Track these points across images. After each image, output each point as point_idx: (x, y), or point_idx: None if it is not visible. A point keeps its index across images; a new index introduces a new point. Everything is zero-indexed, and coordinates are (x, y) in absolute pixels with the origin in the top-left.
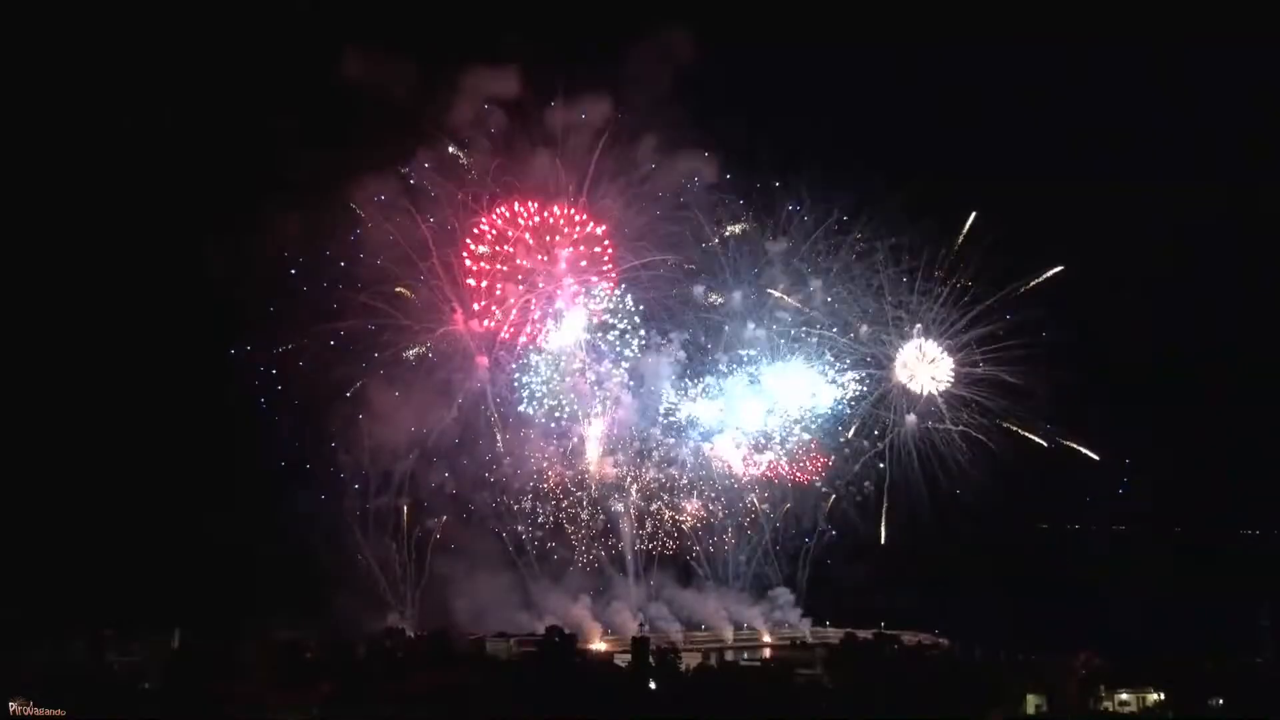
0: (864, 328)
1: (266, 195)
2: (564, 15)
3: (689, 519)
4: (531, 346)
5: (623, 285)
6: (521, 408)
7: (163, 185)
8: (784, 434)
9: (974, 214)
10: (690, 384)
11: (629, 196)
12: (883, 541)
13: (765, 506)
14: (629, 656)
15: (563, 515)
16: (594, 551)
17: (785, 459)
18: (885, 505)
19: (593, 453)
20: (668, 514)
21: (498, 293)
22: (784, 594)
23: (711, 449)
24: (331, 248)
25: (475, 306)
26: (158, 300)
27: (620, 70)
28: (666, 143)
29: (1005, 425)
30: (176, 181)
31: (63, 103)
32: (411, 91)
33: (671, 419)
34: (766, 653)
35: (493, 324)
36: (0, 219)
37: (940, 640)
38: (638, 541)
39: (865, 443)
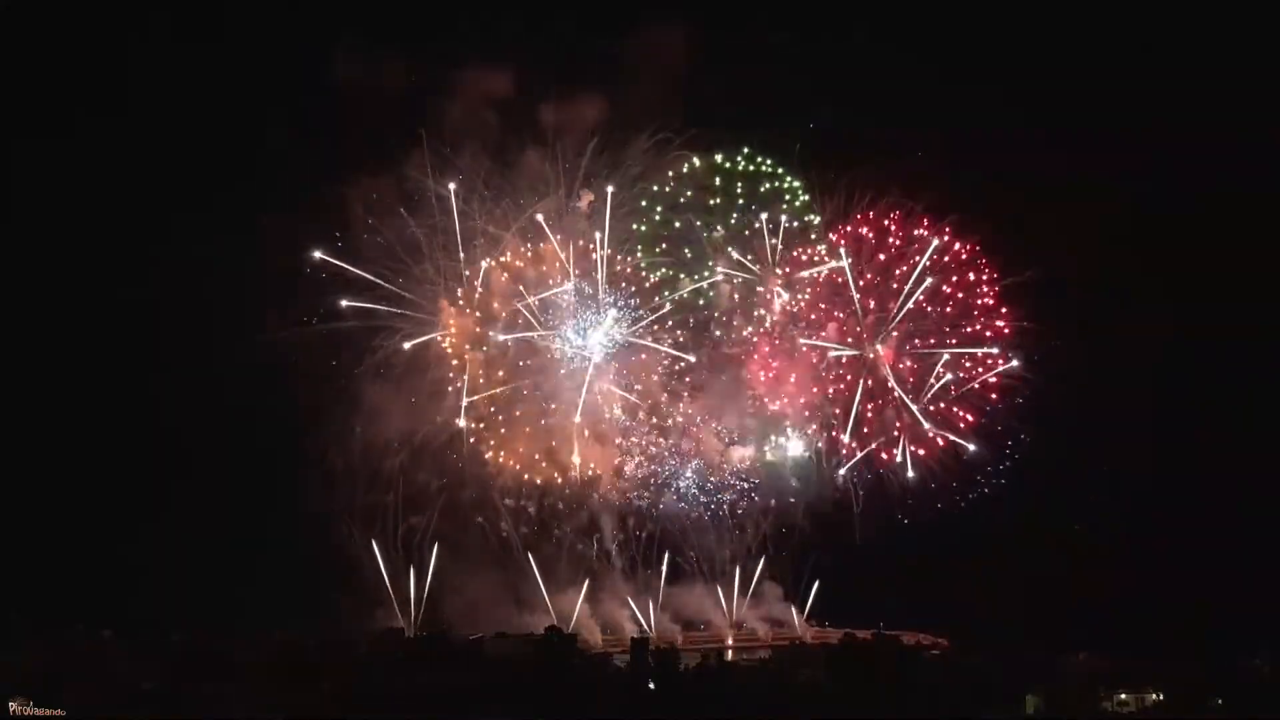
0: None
1: (259, 192)
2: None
3: (675, 515)
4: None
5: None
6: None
7: (157, 183)
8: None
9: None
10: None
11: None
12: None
13: (743, 503)
14: (627, 656)
15: (547, 511)
16: (581, 548)
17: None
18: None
19: (576, 447)
20: (650, 508)
21: None
22: (772, 589)
23: (694, 443)
24: (324, 245)
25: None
26: (149, 298)
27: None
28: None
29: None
30: (170, 179)
31: (55, 100)
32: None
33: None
34: (765, 653)
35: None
36: None
37: (940, 640)
38: (622, 536)
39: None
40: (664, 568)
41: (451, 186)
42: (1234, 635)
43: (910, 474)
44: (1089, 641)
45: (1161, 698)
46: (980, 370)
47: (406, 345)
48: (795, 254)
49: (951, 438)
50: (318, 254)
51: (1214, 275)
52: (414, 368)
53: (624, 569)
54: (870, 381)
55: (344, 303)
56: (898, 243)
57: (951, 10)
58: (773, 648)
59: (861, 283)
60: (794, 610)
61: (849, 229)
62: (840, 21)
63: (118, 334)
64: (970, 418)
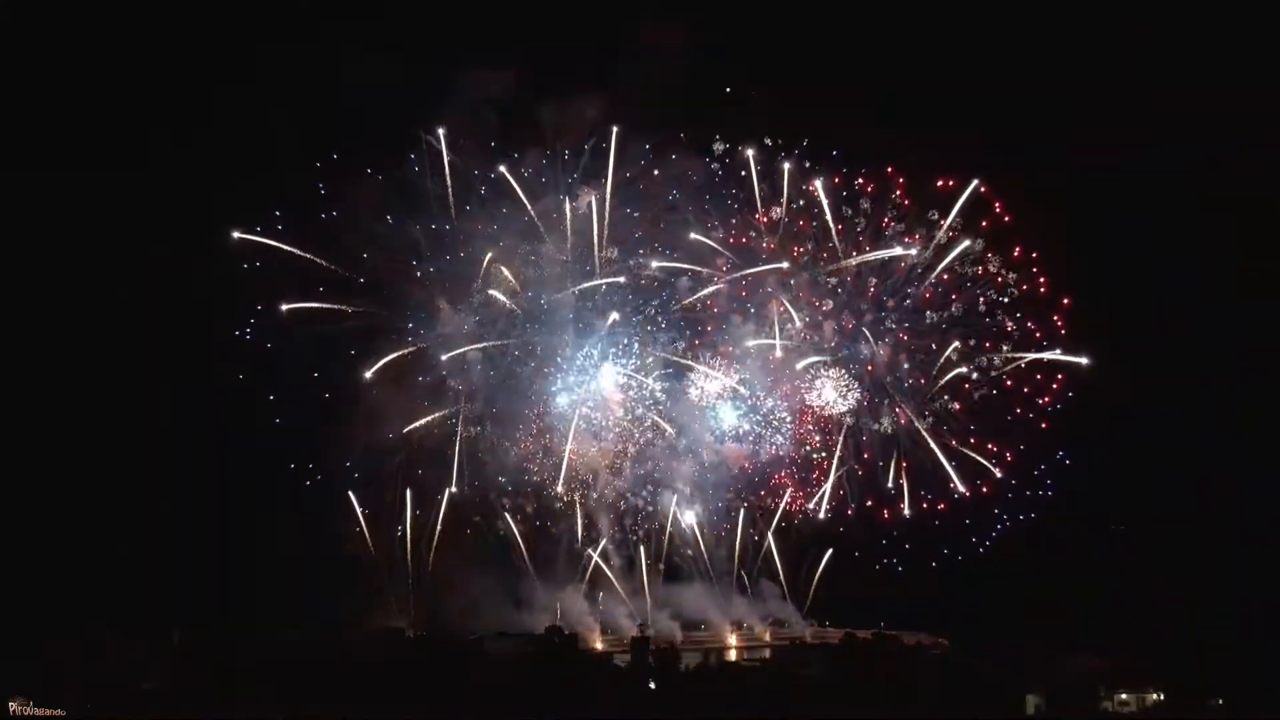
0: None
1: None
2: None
3: (667, 512)
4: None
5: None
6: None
7: (156, 183)
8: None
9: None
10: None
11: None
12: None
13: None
14: (627, 656)
15: (545, 510)
16: (580, 547)
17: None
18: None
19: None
20: (644, 506)
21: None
22: (772, 588)
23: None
24: (324, 245)
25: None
26: (147, 298)
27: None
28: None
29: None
30: (170, 179)
31: (55, 96)
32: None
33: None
34: (766, 653)
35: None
36: None
37: (940, 640)
38: (617, 534)
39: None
40: (662, 567)
41: (441, 131)
42: (1234, 635)
43: (907, 513)
44: (1089, 641)
45: (1161, 698)
46: (1029, 388)
47: (368, 375)
48: (759, 217)
49: (979, 460)
50: (236, 234)
51: (1214, 275)
52: (414, 368)
53: (622, 568)
54: (866, 402)
55: (284, 306)
56: (907, 203)
57: (950, 9)
58: (773, 647)
59: (841, 234)
60: (794, 610)
61: (838, 180)
62: (840, 21)
63: (117, 333)
64: (1009, 454)
